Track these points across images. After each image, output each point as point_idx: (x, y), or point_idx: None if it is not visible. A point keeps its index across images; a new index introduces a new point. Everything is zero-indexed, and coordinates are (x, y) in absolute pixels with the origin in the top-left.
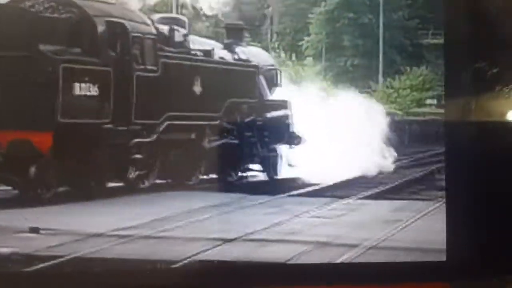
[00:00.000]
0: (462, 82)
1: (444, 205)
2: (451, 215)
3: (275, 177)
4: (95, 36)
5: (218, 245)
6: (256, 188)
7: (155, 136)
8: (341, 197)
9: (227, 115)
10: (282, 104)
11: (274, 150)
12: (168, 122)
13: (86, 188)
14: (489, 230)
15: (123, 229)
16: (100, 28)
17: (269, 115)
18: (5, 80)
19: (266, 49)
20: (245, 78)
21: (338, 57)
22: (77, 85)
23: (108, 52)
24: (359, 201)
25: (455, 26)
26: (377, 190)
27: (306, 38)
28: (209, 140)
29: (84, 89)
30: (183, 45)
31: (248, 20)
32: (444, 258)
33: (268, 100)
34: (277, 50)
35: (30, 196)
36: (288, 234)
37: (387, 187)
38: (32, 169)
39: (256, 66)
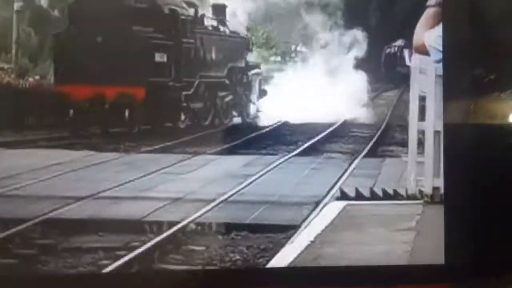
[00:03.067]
0: (460, 88)
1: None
2: (449, 217)
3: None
4: (163, 19)
5: (70, 203)
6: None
7: (192, 90)
8: (192, 153)
9: (228, 76)
10: (257, 65)
11: (251, 100)
12: (199, 80)
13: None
14: (487, 231)
15: None
16: (165, 13)
17: (250, 74)
18: (113, 51)
19: None
20: (238, 47)
21: None
22: (157, 54)
23: (170, 30)
24: (209, 156)
25: (453, 33)
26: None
27: None
28: (217, 95)
29: (159, 57)
30: (202, 22)
31: None
32: (442, 261)
33: (248, 63)
34: None
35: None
36: (141, 191)
37: (236, 142)
38: (128, 112)
39: (244, 38)
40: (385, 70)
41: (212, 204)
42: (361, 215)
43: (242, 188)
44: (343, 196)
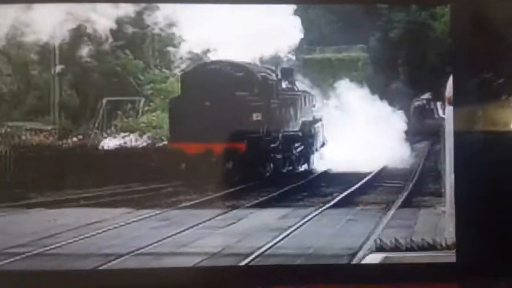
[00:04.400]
0: (469, 92)
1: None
2: (461, 215)
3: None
4: (258, 84)
5: (111, 260)
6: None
7: (278, 142)
8: (229, 207)
9: (301, 129)
10: (320, 118)
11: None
12: (282, 134)
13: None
14: (499, 229)
15: None
16: (259, 79)
17: (316, 126)
18: (218, 117)
19: (148, 65)
20: (306, 103)
21: None
22: (254, 114)
23: (262, 93)
24: (246, 210)
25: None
26: (262, 199)
27: None
28: (294, 146)
29: (255, 116)
30: (281, 84)
31: (130, 39)
32: (454, 259)
33: (315, 116)
34: (159, 67)
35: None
36: (180, 247)
37: (271, 195)
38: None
39: (310, 94)
40: (414, 122)
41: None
42: None
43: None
44: (380, 248)
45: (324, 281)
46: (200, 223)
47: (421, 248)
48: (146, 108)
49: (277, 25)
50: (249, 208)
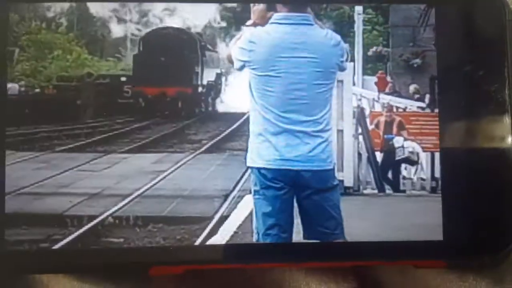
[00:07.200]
0: (454, 83)
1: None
2: (447, 195)
3: None
4: (195, 45)
5: None
6: None
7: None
8: (103, 152)
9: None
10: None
11: None
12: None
13: None
14: (486, 208)
15: None
16: (197, 42)
17: None
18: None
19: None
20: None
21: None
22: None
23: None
24: (119, 155)
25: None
26: (134, 145)
27: None
28: None
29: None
30: None
31: None
32: (441, 238)
33: None
34: (34, 19)
35: None
36: (60, 187)
37: (144, 141)
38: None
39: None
40: None
41: (128, 199)
42: None
43: (156, 183)
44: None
45: (318, 259)
46: (77, 166)
47: None
48: (21, 58)
49: None
50: (122, 153)
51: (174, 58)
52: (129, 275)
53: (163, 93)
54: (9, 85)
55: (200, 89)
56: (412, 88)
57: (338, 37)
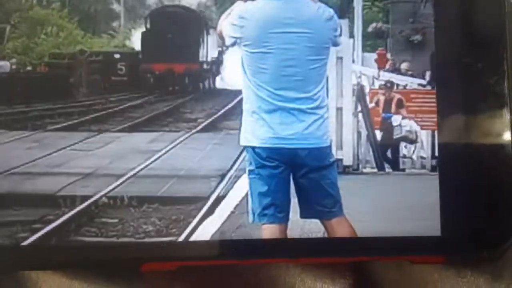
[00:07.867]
0: (452, 74)
1: None
2: (445, 188)
3: None
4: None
5: None
6: None
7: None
8: (96, 131)
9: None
10: None
11: None
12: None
13: None
14: (484, 203)
15: None
16: (203, 20)
17: None
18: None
19: None
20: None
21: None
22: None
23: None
24: (113, 134)
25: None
26: (129, 123)
27: None
28: None
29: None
30: None
31: None
32: (439, 233)
33: None
34: None
35: None
36: (53, 167)
37: (139, 120)
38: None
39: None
40: None
41: (123, 179)
42: None
43: (151, 162)
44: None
45: (318, 255)
46: (70, 145)
47: None
48: (12, 35)
49: None
50: (116, 132)
51: (181, 35)
52: (121, 271)
53: (171, 69)
54: (1, 62)
55: (205, 65)
56: (404, 65)
57: (331, 11)
